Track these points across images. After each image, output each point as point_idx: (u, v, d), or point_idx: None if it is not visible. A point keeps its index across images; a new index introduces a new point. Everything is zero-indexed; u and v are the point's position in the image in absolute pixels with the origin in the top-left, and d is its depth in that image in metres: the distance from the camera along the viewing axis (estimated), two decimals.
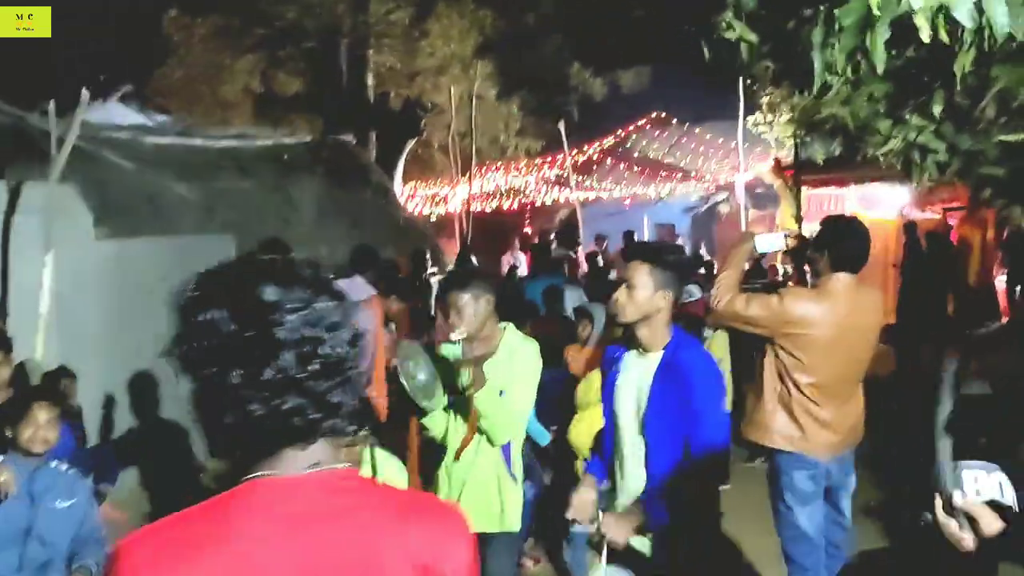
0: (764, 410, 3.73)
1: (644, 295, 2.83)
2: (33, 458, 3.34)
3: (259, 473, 1.18)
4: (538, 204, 18.79)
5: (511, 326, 3.44)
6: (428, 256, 9.69)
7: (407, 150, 15.26)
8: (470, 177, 13.52)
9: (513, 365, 3.29)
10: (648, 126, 18.91)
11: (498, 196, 18.43)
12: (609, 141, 18.28)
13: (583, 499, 3.02)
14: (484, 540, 3.24)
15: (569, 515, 3.02)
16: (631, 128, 18.62)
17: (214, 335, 1.13)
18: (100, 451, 5.85)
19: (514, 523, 3.38)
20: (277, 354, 1.13)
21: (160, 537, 1.14)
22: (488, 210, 17.89)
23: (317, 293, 1.19)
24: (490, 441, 3.25)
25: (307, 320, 1.16)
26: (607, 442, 3.09)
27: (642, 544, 2.89)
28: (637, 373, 2.93)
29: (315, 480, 1.18)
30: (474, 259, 10.52)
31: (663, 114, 18.74)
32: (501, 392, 3.16)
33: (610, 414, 3.04)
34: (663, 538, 2.85)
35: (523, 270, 11.91)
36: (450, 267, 10.40)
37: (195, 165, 8.56)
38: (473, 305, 3.23)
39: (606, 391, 3.06)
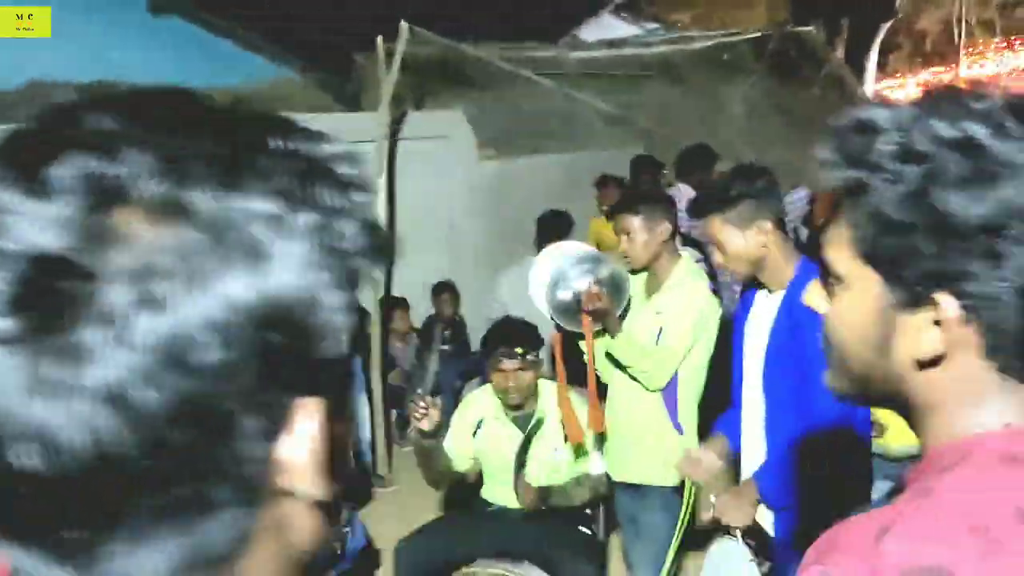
0: None
1: (736, 248, 2.30)
2: None
3: None
4: None
5: (688, 257, 2.98)
6: None
7: (879, 35, 13.20)
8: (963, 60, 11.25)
9: (674, 300, 2.84)
10: None
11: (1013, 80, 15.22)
12: None
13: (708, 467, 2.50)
14: (639, 492, 3.00)
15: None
16: None
17: None
18: (476, 359, 6.19)
19: (673, 478, 2.90)
20: None
21: None
22: None
23: None
24: (646, 387, 2.86)
25: None
26: (735, 398, 2.52)
27: (764, 519, 2.39)
28: (765, 315, 2.34)
29: None
30: None
31: None
32: (661, 330, 2.78)
33: (739, 365, 2.47)
34: (783, 519, 2.34)
35: None
36: None
37: (617, 77, 8.43)
38: (644, 232, 2.80)
39: (735, 338, 2.53)
